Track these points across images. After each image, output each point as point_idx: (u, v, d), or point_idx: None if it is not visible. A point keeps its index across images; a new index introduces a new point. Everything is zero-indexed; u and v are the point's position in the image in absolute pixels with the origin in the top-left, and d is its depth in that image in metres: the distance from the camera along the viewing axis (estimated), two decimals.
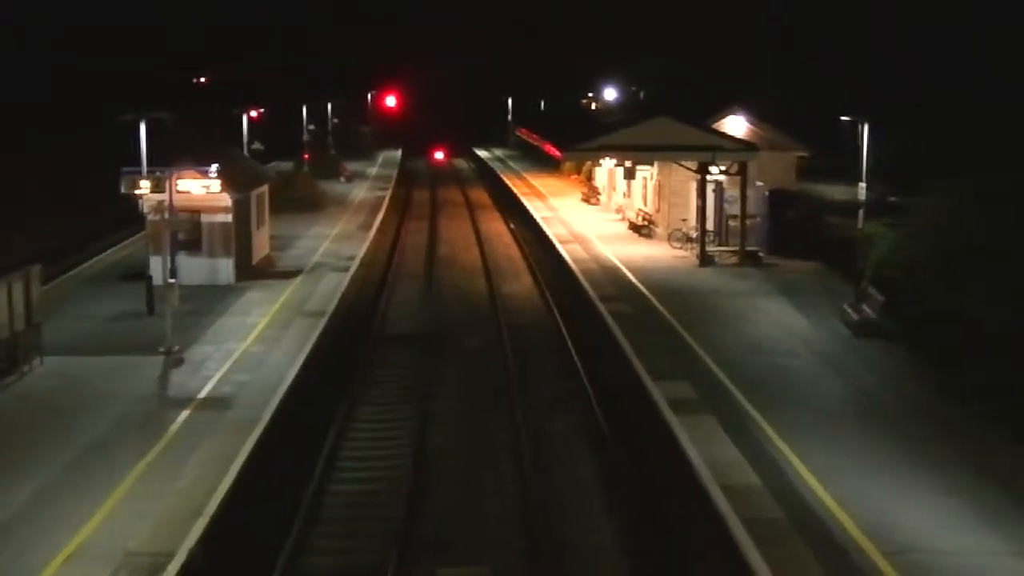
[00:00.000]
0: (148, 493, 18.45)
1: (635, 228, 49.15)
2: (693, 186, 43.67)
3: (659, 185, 47.66)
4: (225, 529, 17.65)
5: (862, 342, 28.71)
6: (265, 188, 42.69)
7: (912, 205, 33.41)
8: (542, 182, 72.82)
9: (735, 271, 39.50)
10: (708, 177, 41.62)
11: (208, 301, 33.43)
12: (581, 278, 38.05)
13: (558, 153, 51.67)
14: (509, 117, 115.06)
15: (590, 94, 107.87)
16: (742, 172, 41.12)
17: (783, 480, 19.07)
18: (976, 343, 24.42)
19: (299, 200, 57.23)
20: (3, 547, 16.43)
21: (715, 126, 44.69)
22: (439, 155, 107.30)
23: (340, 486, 21.24)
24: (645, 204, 50.27)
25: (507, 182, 74.53)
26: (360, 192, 68.48)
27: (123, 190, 31.53)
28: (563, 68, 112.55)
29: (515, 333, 33.03)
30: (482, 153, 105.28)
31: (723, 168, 41.44)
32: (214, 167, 33.81)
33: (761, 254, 40.99)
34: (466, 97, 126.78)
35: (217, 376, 25.60)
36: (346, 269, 39.94)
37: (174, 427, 21.93)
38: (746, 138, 44.63)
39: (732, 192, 42.12)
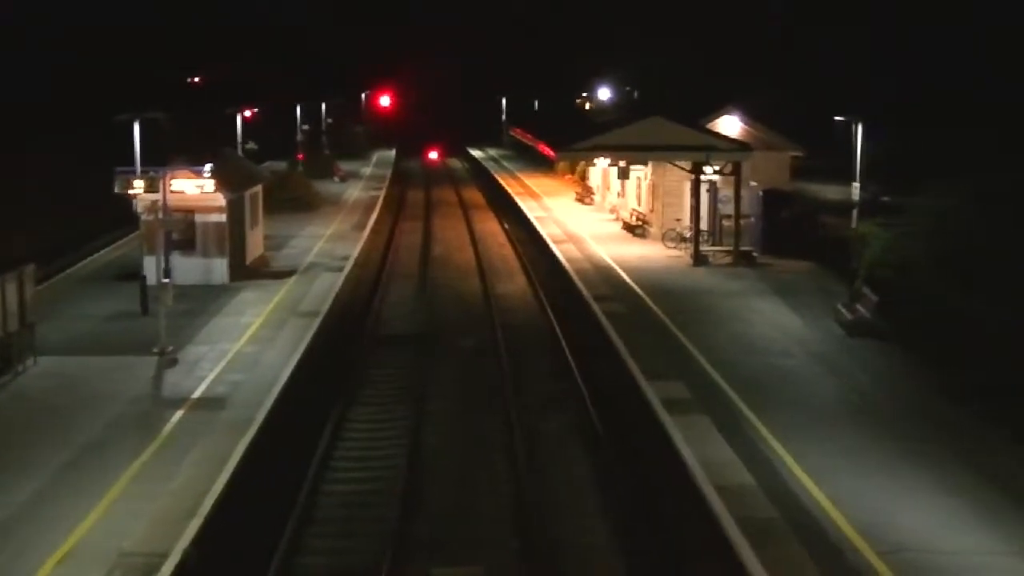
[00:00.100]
0: (142, 493, 18.43)
1: (629, 228, 49.15)
2: (687, 186, 43.69)
3: (653, 185, 47.66)
4: (219, 529, 17.64)
5: (856, 342, 28.73)
6: (259, 188, 42.63)
7: (907, 205, 33.47)
8: (536, 182, 72.79)
9: (729, 271, 39.54)
10: (702, 177, 41.64)
11: (202, 301, 33.39)
12: (575, 278, 38.04)
13: (552, 153, 51.65)
14: (503, 117, 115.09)
15: (584, 94, 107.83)
16: (736, 172, 41.16)
17: (777, 480, 19.08)
18: (976, 343, 24.45)
19: (293, 200, 57.14)
20: (1, 547, 16.42)
21: (709, 126, 44.77)
22: (433, 155, 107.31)
23: (334, 486, 21.24)
24: (639, 204, 50.27)
25: (501, 182, 74.45)
26: (354, 192, 68.41)
27: (117, 190, 31.44)
28: (563, 68, 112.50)
29: (509, 333, 33.02)
30: (476, 153, 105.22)
31: (717, 168, 41.47)
32: (208, 167, 33.76)
33: (755, 254, 41.01)
34: (462, 97, 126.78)
35: (211, 376, 25.58)
36: (340, 269, 39.92)
37: (168, 427, 21.91)
38: (740, 138, 44.70)
39: (726, 192, 42.14)
